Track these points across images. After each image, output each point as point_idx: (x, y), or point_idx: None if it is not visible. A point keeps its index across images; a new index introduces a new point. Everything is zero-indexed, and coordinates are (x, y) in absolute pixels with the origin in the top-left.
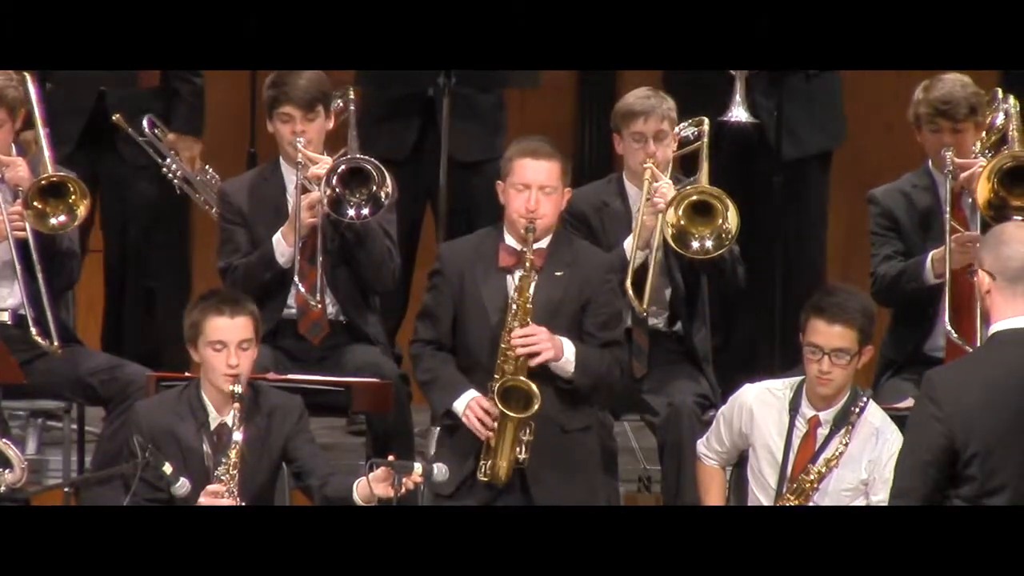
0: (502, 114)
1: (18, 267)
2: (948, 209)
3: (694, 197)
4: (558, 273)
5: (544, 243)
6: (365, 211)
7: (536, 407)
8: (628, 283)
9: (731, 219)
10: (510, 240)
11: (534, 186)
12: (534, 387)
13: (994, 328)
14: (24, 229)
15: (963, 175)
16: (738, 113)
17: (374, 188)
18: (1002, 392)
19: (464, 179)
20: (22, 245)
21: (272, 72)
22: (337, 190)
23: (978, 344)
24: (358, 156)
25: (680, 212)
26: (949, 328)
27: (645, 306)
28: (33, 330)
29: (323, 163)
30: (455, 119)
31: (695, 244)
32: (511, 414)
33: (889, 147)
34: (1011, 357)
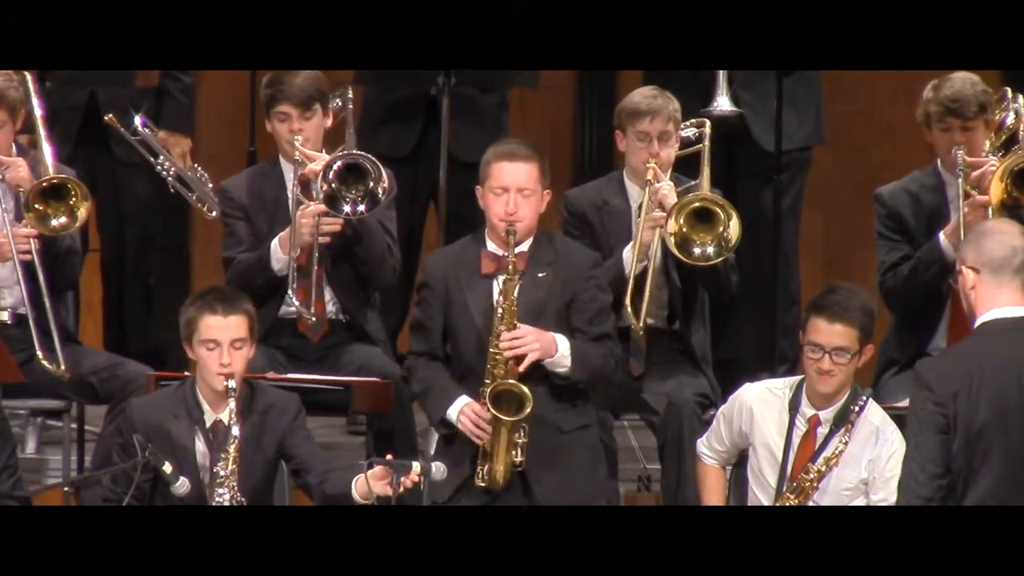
0: (504, 114)
1: (20, 275)
2: (963, 202)
3: (696, 204)
4: (540, 274)
5: (525, 246)
6: (361, 207)
7: (528, 409)
8: (627, 299)
9: (732, 228)
10: (492, 246)
11: (512, 188)
12: (525, 389)
13: (980, 319)
14: (31, 252)
15: (974, 174)
16: (722, 103)
17: (371, 184)
18: (986, 379)
19: (467, 179)
20: (27, 270)
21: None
22: (333, 185)
23: None
24: (355, 152)
25: (682, 220)
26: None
27: (641, 324)
28: (39, 354)
29: (320, 160)
30: (458, 119)
31: (697, 250)
32: (503, 418)
33: (889, 147)
34: (995, 345)
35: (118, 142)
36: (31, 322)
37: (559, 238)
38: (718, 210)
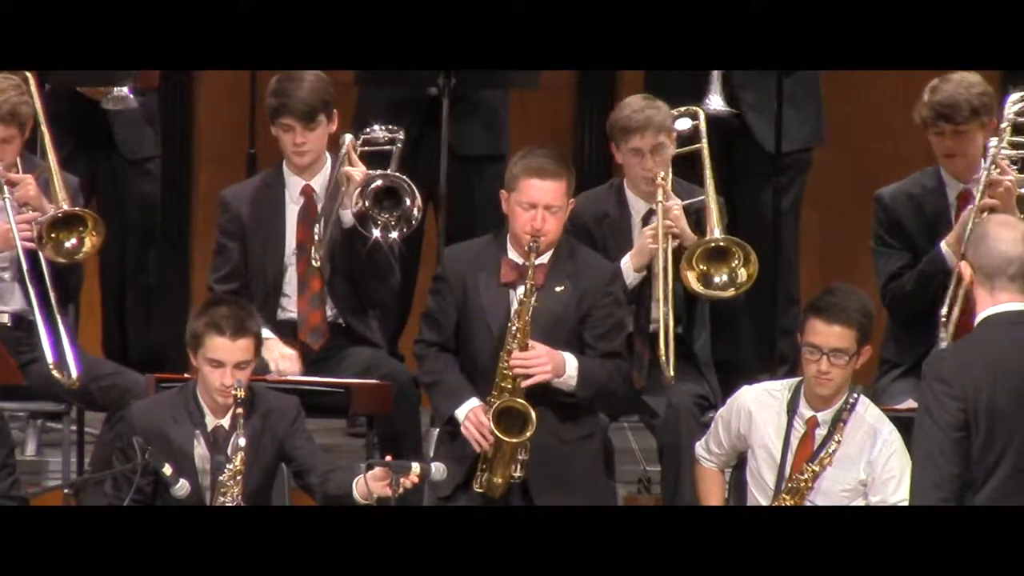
0: (504, 107)
1: (31, 284)
2: (978, 198)
3: (710, 245)
4: (558, 288)
5: (545, 257)
6: (394, 235)
7: (531, 432)
8: (660, 352)
9: (747, 268)
10: (513, 254)
11: (540, 205)
12: (530, 409)
13: (983, 314)
14: (33, 239)
15: (998, 191)
16: (714, 102)
17: (407, 202)
18: (1000, 369)
19: (466, 174)
20: (32, 263)
21: (274, 75)
22: (366, 203)
23: None
24: (395, 174)
25: (696, 263)
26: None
27: (672, 373)
28: (50, 359)
29: (360, 169)
30: (458, 112)
31: (717, 279)
32: (506, 439)
33: (889, 147)
34: (1005, 336)
35: (124, 135)
36: (41, 330)
37: (581, 250)
38: (734, 248)
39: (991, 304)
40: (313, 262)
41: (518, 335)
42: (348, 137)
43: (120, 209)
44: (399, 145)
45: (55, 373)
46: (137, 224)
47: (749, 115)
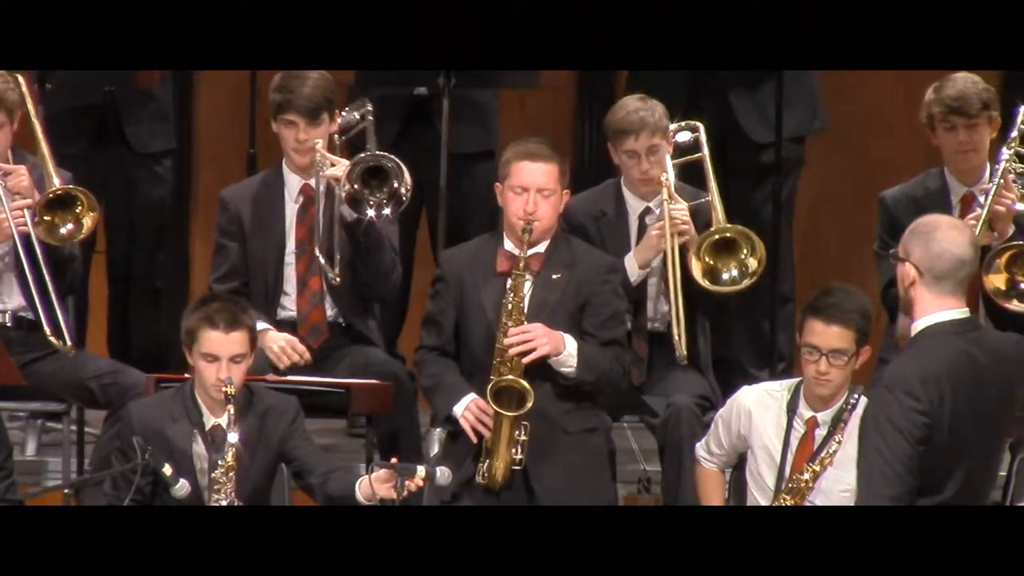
0: (494, 103)
1: (28, 270)
2: (986, 208)
3: (716, 237)
4: (555, 276)
5: (542, 247)
6: (387, 211)
7: (529, 405)
8: (675, 333)
9: (755, 256)
10: (509, 245)
11: (532, 188)
12: (527, 385)
13: (921, 324)
14: (27, 224)
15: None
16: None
17: (395, 184)
18: (957, 381)
19: (457, 172)
20: (28, 249)
21: (275, 75)
22: (356, 186)
23: None
24: (377, 153)
25: (704, 255)
26: None
27: (685, 352)
28: (47, 329)
29: (341, 165)
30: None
31: (725, 276)
32: (504, 413)
33: (889, 147)
34: (954, 346)
35: (136, 129)
36: (43, 320)
37: (576, 241)
38: (738, 238)
39: (934, 309)
40: (334, 279)
41: (513, 312)
42: (318, 142)
43: (131, 209)
44: (370, 118)
45: (52, 340)
46: (149, 223)
47: (736, 105)
